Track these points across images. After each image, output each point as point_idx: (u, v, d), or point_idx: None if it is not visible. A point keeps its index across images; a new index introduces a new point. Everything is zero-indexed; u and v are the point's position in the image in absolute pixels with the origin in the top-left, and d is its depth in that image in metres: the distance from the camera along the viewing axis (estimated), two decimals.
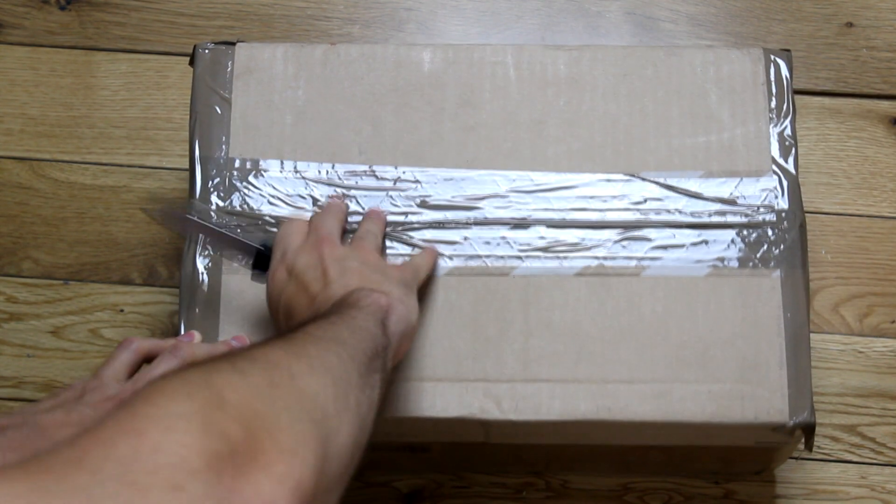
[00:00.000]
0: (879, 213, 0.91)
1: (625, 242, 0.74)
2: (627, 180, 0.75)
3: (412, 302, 0.64)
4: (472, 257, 0.74)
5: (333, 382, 0.46)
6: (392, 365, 0.59)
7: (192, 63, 0.77)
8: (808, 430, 0.70)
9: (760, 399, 0.71)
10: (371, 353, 0.53)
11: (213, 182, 0.75)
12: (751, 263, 0.73)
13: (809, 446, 0.71)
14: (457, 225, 0.74)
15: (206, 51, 0.77)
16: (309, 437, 0.40)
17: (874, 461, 0.86)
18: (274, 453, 0.37)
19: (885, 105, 0.94)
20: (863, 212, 0.91)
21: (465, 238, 0.74)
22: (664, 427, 0.71)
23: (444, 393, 0.71)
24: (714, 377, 0.71)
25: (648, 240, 0.74)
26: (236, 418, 0.36)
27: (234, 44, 0.77)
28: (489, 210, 0.75)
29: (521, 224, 0.74)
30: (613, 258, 0.73)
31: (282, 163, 0.75)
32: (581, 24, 0.97)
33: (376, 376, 0.53)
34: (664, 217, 0.74)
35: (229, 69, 0.77)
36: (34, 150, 0.93)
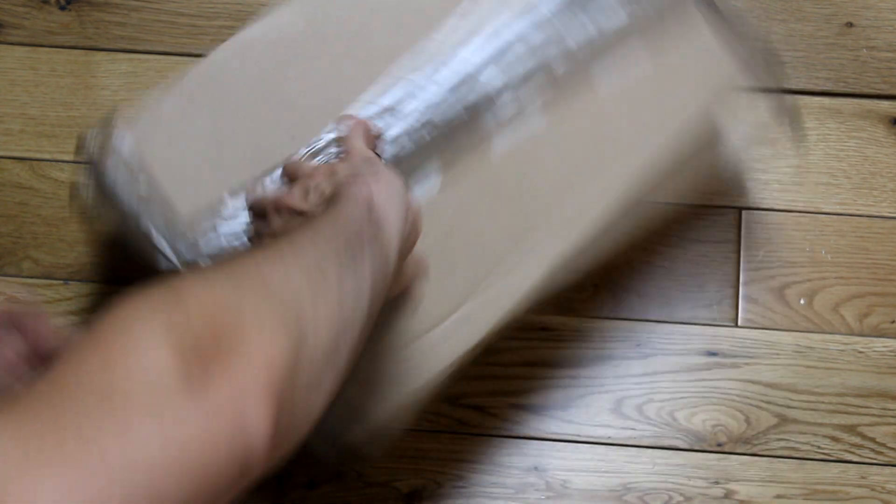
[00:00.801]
0: (879, 213, 0.91)
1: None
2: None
3: (389, 174, 0.61)
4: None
5: (306, 265, 0.44)
6: (409, 250, 0.60)
7: (86, 161, 0.73)
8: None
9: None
10: (352, 233, 0.51)
11: (182, 247, 0.71)
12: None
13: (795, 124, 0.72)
14: (418, 136, 0.74)
15: (94, 141, 0.73)
16: (276, 315, 0.39)
17: (874, 461, 0.86)
18: (239, 335, 0.36)
19: (885, 105, 0.94)
20: (863, 212, 0.91)
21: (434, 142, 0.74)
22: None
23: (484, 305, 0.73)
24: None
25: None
26: (199, 313, 0.36)
27: (113, 125, 0.73)
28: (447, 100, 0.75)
29: (479, 104, 0.75)
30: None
31: (229, 195, 0.72)
32: None
33: (361, 256, 0.50)
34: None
35: (127, 145, 0.72)
36: (34, 150, 0.93)
